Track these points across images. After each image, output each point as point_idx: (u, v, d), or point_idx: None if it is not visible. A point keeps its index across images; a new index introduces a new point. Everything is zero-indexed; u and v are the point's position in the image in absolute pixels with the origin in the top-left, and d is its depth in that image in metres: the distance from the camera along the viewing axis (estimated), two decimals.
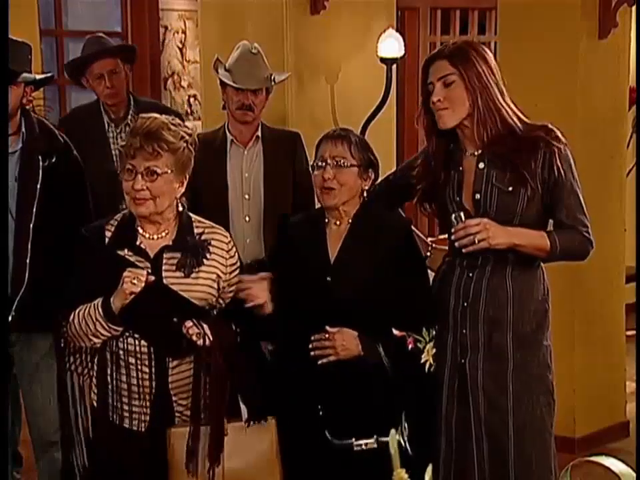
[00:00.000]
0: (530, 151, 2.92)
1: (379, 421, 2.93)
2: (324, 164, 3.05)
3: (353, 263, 3.03)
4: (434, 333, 3.04)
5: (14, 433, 3.94)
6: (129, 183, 2.85)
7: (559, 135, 2.96)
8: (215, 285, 2.96)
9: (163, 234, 2.96)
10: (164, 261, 2.92)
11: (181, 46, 7.79)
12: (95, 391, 2.98)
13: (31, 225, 3.38)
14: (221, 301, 3.02)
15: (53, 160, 3.43)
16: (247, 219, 4.08)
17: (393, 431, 1.95)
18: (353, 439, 2.95)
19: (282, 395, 3.04)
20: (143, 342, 2.90)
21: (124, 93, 4.50)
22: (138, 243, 2.94)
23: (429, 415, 3.07)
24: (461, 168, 3.02)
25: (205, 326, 2.86)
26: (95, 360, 2.98)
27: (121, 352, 2.92)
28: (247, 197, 4.09)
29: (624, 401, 5.01)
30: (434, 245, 3.37)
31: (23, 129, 3.44)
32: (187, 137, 2.91)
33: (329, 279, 3.02)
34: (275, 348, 3.18)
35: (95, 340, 2.90)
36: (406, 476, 1.82)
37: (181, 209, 2.98)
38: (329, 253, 3.07)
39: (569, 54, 4.58)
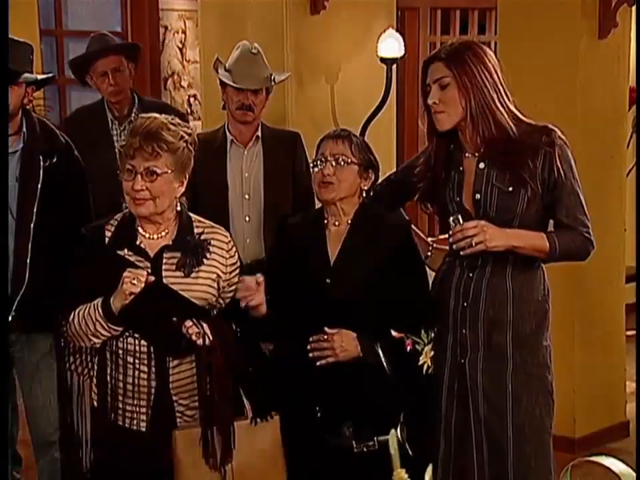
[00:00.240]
0: (530, 151, 2.92)
1: (377, 422, 2.93)
2: (324, 161, 3.05)
3: (352, 264, 3.03)
4: (432, 334, 3.04)
5: (12, 432, 3.94)
6: (129, 183, 2.85)
7: (560, 134, 2.96)
8: (215, 285, 2.96)
9: (163, 234, 2.96)
10: (164, 261, 2.92)
11: (181, 46, 7.79)
12: (95, 391, 2.99)
13: (32, 225, 3.38)
14: (221, 301, 3.02)
15: (54, 160, 3.43)
16: (247, 219, 4.08)
17: (393, 431, 1.95)
18: (353, 442, 2.96)
19: (281, 396, 3.04)
20: (142, 342, 2.90)
21: (128, 90, 4.50)
22: (138, 242, 2.94)
23: (427, 415, 3.07)
24: (461, 168, 3.03)
25: (205, 325, 2.86)
26: (95, 360, 2.98)
27: (121, 352, 2.92)
28: (246, 196, 4.09)
29: (624, 400, 5.01)
30: (435, 245, 3.36)
31: (24, 129, 3.44)
32: (187, 137, 2.91)
33: (328, 280, 3.02)
34: (275, 348, 3.17)
35: (95, 340, 2.90)
36: (406, 476, 1.82)
37: (180, 208, 2.98)
38: (328, 254, 3.07)
39: (569, 54, 4.58)
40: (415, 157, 3.30)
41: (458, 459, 3.05)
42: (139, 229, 2.95)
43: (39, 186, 3.39)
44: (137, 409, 2.93)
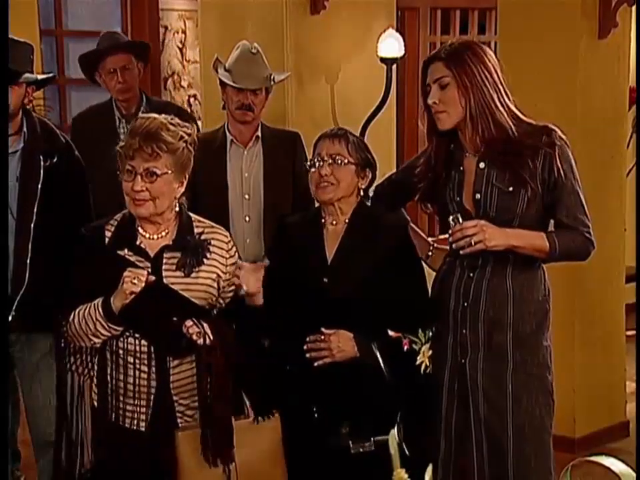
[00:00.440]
0: (530, 151, 2.92)
1: (373, 421, 2.94)
2: (321, 161, 3.05)
3: (349, 263, 3.04)
4: (430, 334, 3.04)
5: (13, 429, 3.94)
6: (129, 184, 2.85)
7: (560, 134, 2.96)
8: (215, 285, 2.96)
9: (163, 234, 2.96)
10: (164, 261, 2.92)
11: (181, 46, 7.79)
12: (95, 391, 2.99)
13: (32, 225, 3.38)
14: (221, 301, 3.02)
15: (54, 160, 3.43)
16: (247, 218, 4.08)
17: (393, 431, 1.95)
18: (350, 442, 2.96)
19: (279, 395, 3.04)
20: (143, 342, 2.90)
21: (136, 89, 4.50)
22: (138, 242, 2.94)
23: (425, 415, 3.07)
24: (461, 168, 3.03)
25: (205, 325, 2.86)
26: (95, 360, 2.98)
27: (121, 352, 2.92)
28: (246, 196, 4.09)
29: (624, 400, 5.01)
30: (435, 245, 3.37)
31: (25, 129, 3.44)
32: (186, 137, 2.91)
33: (325, 279, 3.03)
34: (271, 346, 3.17)
35: (95, 340, 2.90)
36: (406, 476, 1.82)
37: (180, 208, 2.98)
38: (326, 254, 3.07)
39: (569, 54, 4.58)
40: (415, 157, 3.30)
41: (458, 458, 3.05)
42: (139, 229, 2.95)
43: (39, 186, 3.39)
44: (137, 408, 2.93)
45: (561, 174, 2.92)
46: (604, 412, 4.90)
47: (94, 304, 2.87)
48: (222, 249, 2.99)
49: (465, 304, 3.02)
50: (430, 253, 3.34)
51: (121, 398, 2.94)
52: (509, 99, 2.96)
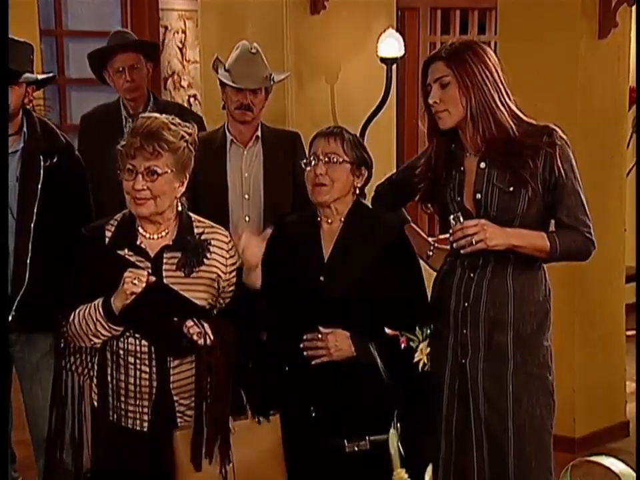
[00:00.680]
0: (531, 151, 2.91)
1: (371, 421, 2.94)
2: (316, 160, 3.05)
3: (346, 262, 3.04)
4: (428, 332, 3.04)
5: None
6: (130, 183, 2.85)
7: (561, 134, 2.95)
8: (215, 285, 2.96)
9: (163, 234, 2.96)
10: (164, 261, 2.92)
11: (181, 46, 7.80)
12: (96, 391, 2.99)
13: (32, 225, 3.38)
14: (221, 301, 3.02)
15: (54, 160, 3.43)
16: (247, 218, 4.08)
17: (392, 431, 1.95)
18: (345, 441, 2.96)
19: (277, 395, 3.04)
20: (143, 342, 2.90)
21: (144, 89, 4.49)
22: (138, 242, 2.94)
23: (422, 414, 3.07)
24: (462, 168, 3.03)
25: (206, 325, 2.86)
26: (95, 360, 2.98)
27: (122, 352, 2.92)
28: (246, 196, 4.09)
29: (624, 400, 5.02)
30: (435, 245, 3.37)
31: (25, 129, 3.44)
32: (187, 137, 2.91)
33: (322, 278, 3.03)
34: (268, 343, 3.17)
35: (95, 340, 2.90)
36: (406, 476, 1.82)
37: (180, 208, 2.98)
38: (322, 252, 3.07)
39: (569, 54, 4.58)
40: (415, 158, 3.30)
41: (458, 458, 3.05)
42: (139, 228, 2.95)
43: (39, 186, 3.39)
44: (138, 409, 2.93)
45: (561, 174, 2.92)
46: (604, 412, 4.90)
47: (94, 304, 2.87)
48: (222, 249, 2.99)
49: (466, 304, 3.02)
50: (430, 253, 3.34)
51: (122, 398, 2.94)
52: (510, 99, 2.96)
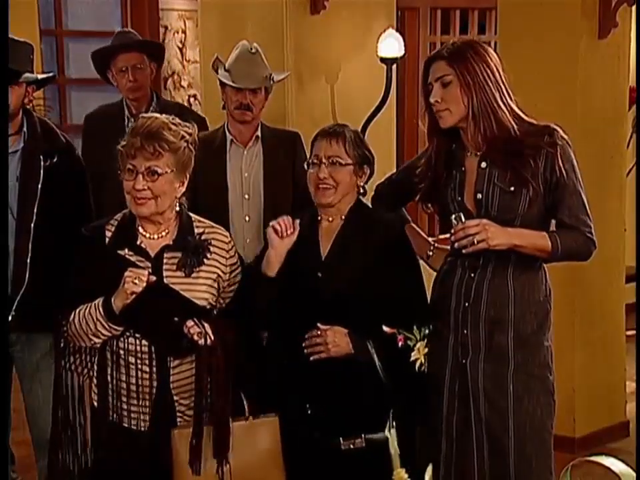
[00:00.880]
0: (532, 151, 2.91)
1: (367, 419, 2.94)
2: (319, 163, 3.05)
3: (344, 260, 3.04)
4: (426, 332, 3.04)
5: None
6: (130, 183, 2.85)
7: (562, 134, 2.95)
8: (216, 285, 2.97)
9: (163, 234, 2.96)
10: (164, 261, 2.92)
11: (181, 46, 7.80)
12: (95, 391, 2.99)
13: (32, 225, 3.38)
14: (221, 301, 3.02)
15: (54, 160, 3.43)
16: (247, 218, 4.08)
17: (393, 431, 1.95)
18: (341, 439, 2.96)
19: (276, 393, 3.04)
20: (143, 341, 2.90)
21: (147, 89, 4.48)
22: (138, 242, 2.94)
23: (419, 413, 3.07)
24: (463, 167, 3.02)
25: (207, 325, 2.86)
26: (95, 360, 2.98)
27: (122, 352, 2.92)
28: (246, 196, 4.09)
29: (624, 400, 5.02)
30: (436, 245, 3.36)
31: (25, 129, 3.44)
32: (188, 137, 2.92)
33: (319, 274, 3.03)
34: (267, 341, 3.17)
35: (96, 340, 2.90)
36: (406, 476, 1.82)
37: (180, 208, 2.98)
38: (320, 249, 3.08)
39: (569, 54, 4.58)
40: (416, 157, 3.30)
41: (459, 458, 3.04)
42: (140, 228, 2.95)
43: (40, 186, 3.39)
44: (138, 408, 2.93)
45: (562, 174, 2.92)
46: (604, 412, 4.90)
47: (94, 304, 2.87)
48: (222, 249, 3.00)
49: (466, 304, 3.02)
50: (430, 253, 3.34)
51: (122, 398, 2.94)
52: (511, 99, 2.96)
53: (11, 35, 3.31)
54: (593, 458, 1.77)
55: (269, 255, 2.99)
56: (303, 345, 3.00)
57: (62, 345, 3.02)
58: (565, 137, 2.96)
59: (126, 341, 2.91)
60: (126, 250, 2.92)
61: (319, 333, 2.98)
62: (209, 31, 5.26)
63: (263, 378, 3.08)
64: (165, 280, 2.89)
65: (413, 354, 3.03)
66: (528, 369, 3.00)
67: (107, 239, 2.96)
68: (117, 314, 2.83)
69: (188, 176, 2.94)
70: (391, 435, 1.91)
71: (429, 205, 3.18)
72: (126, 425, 2.95)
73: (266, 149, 4.11)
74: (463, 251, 2.90)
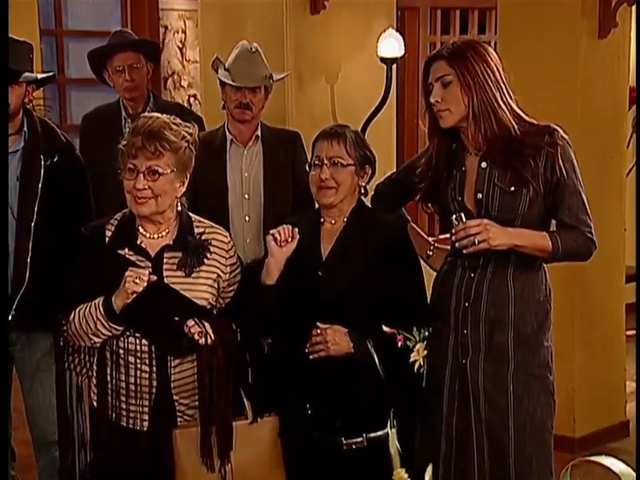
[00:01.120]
0: (532, 151, 2.91)
1: (367, 419, 2.94)
2: (320, 164, 3.05)
3: (344, 259, 3.04)
4: (426, 333, 3.04)
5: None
6: (131, 182, 2.85)
7: (562, 134, 2.95)
8: (215, 285, 2.97)
9: (164, 233, 2.96)
10: (165, 261, 2.92)
11: (181, 46, 7.80)
12: (95, 391, 2.98)
13: (32, 224, 3.38)
14: (221, 301, 3.02)
15: (55, 159, 3.43)
16: (247, 218, 4.08)
17: (393, 431, 1.95)
18: (342, 438, 2.96)
19: (274, 393, 3.05)
20: (143, 341, 2.90)
21: (143, 88, 4.47)
22: (138, 242, 2.94)
23: (417, 412, 3.08)
24: (463, 167, 3.02)
25: (207, 324, 2.87)
26: (94, 359, 2.98)
27: (122, 351, 2.92)
28: (246, 196, 4.09)
29: (624, 400, 5.02)
30: (436, 245, 3.36)
31: (25, 129, 3.44)
32: (188, 137, 2.92)
33: (320, 273, 3.03)
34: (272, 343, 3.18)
35: (95, 339, 2.91)
36: (406, 476, 1.82)
37: (180, 208, 2.98)
38: (321, 250, 3.08)
39: (569, 54, 4.58)
40: (416, 157, 3.30)
41: (459, 459, 3.04)
42: (140, 228, 2.95)
43: (40, 185, 3.39)
44: (138, 408, 2.93)
45: (563, 174, 2.92)
46: (604, 412, 4.90)
47: (95, 303, 2.87)
48: (222, 249, 3.00)
49: (466, 304, 3.02)
50: (430, 253, 3.34)
51: (121, 397, 2.94)
52: (512, 98, 2.96)
53: (11, 35, 3.31)
54: (593, 458, 1.77)
55: (268, 263, 2.99)
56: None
57: (61, 344, 3.02)
58: (565, 136, 2.96)
59: (126, 340, 2.91)
60: (126, 249, 2.92)
61: (318, 331, 2.98)
62: (209, 30, 5.26)
63: (262, 378, 3.08)
64: (165, 280, 2.89)
65: (412, 355, 3.03)
66: (528, 369, 3.00)
67: (107, 239, 2.96)
68: (117, 313, 2.83)
69: (188, 176, 2.95)
70: (391, 434, 1.91)
71: (429, 205, 3.18)
72: (125, 425, 2.95)
73: (266, 148, 4.10)
74: (464, 251, 2.90)
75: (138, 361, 2.90)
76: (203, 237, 2.97)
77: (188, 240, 2.94)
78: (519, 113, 2.97)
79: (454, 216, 2.90)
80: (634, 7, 4.65)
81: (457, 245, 2.91)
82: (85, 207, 3.54)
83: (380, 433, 2.91)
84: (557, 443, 3.14)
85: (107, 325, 2.85)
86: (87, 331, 2.89)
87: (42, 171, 3.40)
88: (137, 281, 2.78)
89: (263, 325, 3.07)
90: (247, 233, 4.06)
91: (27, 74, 3.40)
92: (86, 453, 3.09)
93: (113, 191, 3.12)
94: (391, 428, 2.86)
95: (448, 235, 2.99)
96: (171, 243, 2.94)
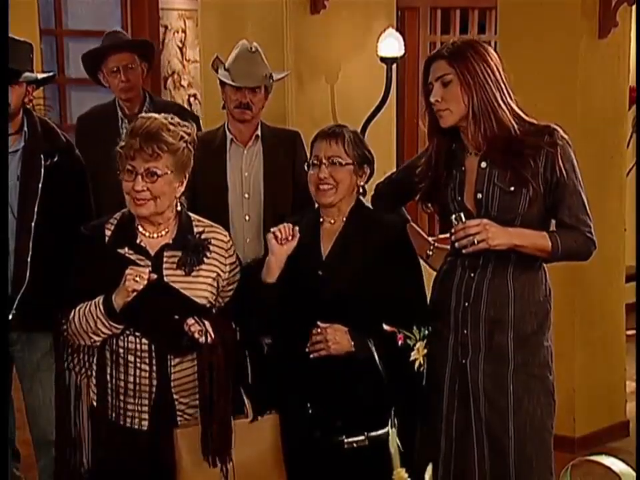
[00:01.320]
0: (532, 150, 2.91)
1: (368, 418, 2.94)
2: (319, 164, 3.06)
3: (344, 258, 3.05)
4: (426, 332, 3.04)
5: (11, 429, 3.95)
6: (129, 184, 2.85)
7: (562, 134, 2.95)
8: (215, 284, 2.97)
9: (163, 233, 2.96)
10: (164, 260, 2.92)
11: (181, 45, 7.80)
12: (94, 390, 2.98)
13: (32, 224, 3.38)
14: (221, 300, 3.02)
15: (55, 159, 3.43)
16: (247, 218, 4.08)
17: (393, 430, 1.95)
18: (344, 437, 2.96)
19: (275, 392, 3.05)
20: (143, 340, 2.90)
21: (139, 89, 4.47)
22: (138, 241, 2.94)
23: (417, 412, 3.08)
24: (463, 167, 3.02)
25: (207, 323, 2.87)
26: (93, 359, 2.98)
27: (121, 350, 2.92)
28: (246, 196, 4.09)
29: (624, 400, 5.02)
30: (436, 244, 3.36)
31: (25, 128, 3.44)
32: (187, 137, 2.91)
33: (320, 272, 3.03)
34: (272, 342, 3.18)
35: (95, 338, 2.91)
36: (406, 475, 1.81)
37: (179, 208, 2.98)
38: (321, 249, 3.08)
39: (569, 54, 4.58)
40: (416, 157, 3.30)
41: (459, 458, 3.04)
42: (139, 227, 2.95)
43: (40, 185, 3.40)
44: (138, 407, 2.93)
45: (563, 174, 2.92)
46: (604, 412, 4.90)
47: (95, 302, 2.87)
48: (222, 248, 3.00)
49: (466, 304, 3.02)
50: (430, 253, 3.34)
51: (121, 397, 2.94)
52: (512, 98, 2.96)
53: (11, 35, 3.31)
54: (593, 458, 1.77)
55: (268, 261, 3.00)
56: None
57: (61, 344, 3.01)
58: (565, 136, 2.96)
59: (126, 339, 2.91)
60: (126, 249, 2.92)
61: (319, 330, 2.98)
62: (209, 30, 5.26)
63: (262, 377, 3.08)
64: (165, 278, 2.89)
65: (412, 354, 3.03)
66: (528, 368, 3.00)
67: (107, 238, 2.96)
68: (117, 312, 2.83)
69: (187, 176, 2.95)
70: (391, 434, 1.91)
71: (429, 205, 3.18)
72: (125, 424, 2.95)
73: (266, 148, 4.10)
74: (463, 251, 2.90)
75: (138, 360, 2.90)
76: (203, 236, 2.97)
77: (187, 239, 2.94)
78: (518, 113, 2.97)
79: (453, 216, 2.90)
80: (634, 7, 4.66)
81: (456, 244, 2.91)
82: (85, 206, 3.54)
83: (380, 432, 2.91)
84: (556, 443, 3.14)
85: (107, 324, 2.85)
86: (87, 329, 2.89)
87: (42, 170, 3.41)
88: (137, 279, 2.78)
89: (263, 323, 3.07)
90: (246, 233, 4.06)
91: (27, 74, 3.40)
92: (82, 453, 3.08)
93: (111, 191, 3.12)
94: (391, 427, 2.86)
95: (448, 235, 2.99)
96: (171, 242, 2.94)
